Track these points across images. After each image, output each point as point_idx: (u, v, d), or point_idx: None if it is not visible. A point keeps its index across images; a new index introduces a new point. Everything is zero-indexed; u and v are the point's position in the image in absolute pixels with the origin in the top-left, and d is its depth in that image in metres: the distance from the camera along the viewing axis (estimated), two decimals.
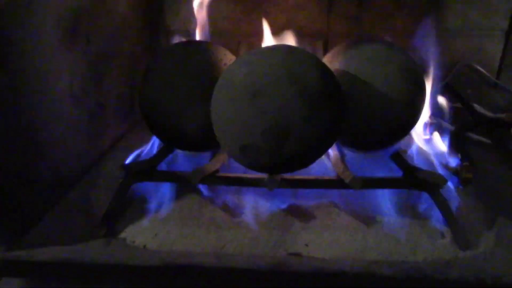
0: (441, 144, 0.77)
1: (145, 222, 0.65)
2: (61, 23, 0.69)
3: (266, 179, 0.62)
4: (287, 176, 0.65)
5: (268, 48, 0.60)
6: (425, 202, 0.66)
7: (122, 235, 0.63)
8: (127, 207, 0.68)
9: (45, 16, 0.66)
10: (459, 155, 0.72)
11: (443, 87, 0.86)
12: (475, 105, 0.87)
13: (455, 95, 0.88)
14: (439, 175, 0.62)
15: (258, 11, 1.01)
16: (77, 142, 0.76)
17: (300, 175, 0.66)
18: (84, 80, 0.77)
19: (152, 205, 0.69)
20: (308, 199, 0.69)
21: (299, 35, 0.82)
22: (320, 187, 0.66)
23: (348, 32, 1.00)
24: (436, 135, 0.79)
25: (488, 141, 0.81)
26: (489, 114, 0.83)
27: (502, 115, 0.82)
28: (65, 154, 0.72)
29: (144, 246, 0.61)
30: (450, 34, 0.95)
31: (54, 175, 0.70)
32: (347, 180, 0.61)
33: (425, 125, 0.79)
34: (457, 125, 0.83)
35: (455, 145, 0.76)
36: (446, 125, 0.81)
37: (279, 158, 0.57)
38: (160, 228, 0.64)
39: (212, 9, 1.00)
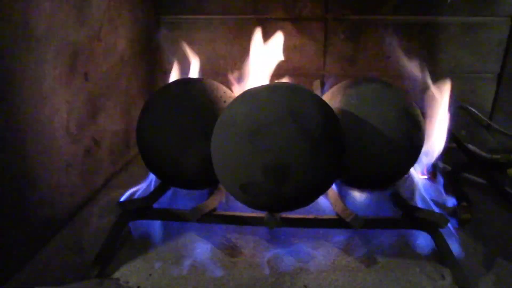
0: (438, 184, 0.77)
1: (139, 261, 0.64)
2: (59, 59, 0.70)
3: (265, 218, 0.62)
4: (287, 215, 0.65)
5: (268, 85, 0.60)
6: (424, 242, 0.66)
7: (116, 275, 0.61)
8: (122, 246, 0.67)
9: (45, 52, 0.66)
10: (456, 196, 0.72)
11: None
12: (470, 146, 0.88)
13: (450, 136, 0.89)
14: (440, 214, 0.62)
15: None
16: (71, 179, 0.75)
17: (299, 214, 0.65)
18: (81, 116, 0.77)
19: (147, 244, 0.67)
20: (307, 239, 0.68)
21: (296, 75, 0.84)
22: (319, 226, 0.66)
23: (344, 73, 1.02)
24: (433, 175, 0.79)
25: (483, 181, 0.82)
26: (484, 154, 0.84)
27: (498, 156, 0.83)
28: (59, 191, 0.71)
29: (138, 287, 0.59)
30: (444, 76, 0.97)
31: (47, 212, 0.68)
32: (348, 219, 0.61)
33: (423, 165, 0.79)
34: (453, 165, 0.84)
35: (451, 186, 0.76)
36: (443, 165, 0.81)
37: (280, 196, 0.56)
38: (155, 268, 0.62)
39: (209, 49, 1.01)
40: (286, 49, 0.97)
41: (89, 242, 0.68)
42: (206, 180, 0.68)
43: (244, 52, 1.00)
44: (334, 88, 0.71)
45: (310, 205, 0.62)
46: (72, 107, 0.74)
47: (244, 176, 0.56)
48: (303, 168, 0.55)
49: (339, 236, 0.68)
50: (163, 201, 0.74)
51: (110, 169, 0.90)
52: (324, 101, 0.60)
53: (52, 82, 0.68)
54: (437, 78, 0.79)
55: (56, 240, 0.69)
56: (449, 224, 0.66)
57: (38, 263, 0.63)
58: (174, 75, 0.86)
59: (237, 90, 0.82)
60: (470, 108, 0.96)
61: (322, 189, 0.60)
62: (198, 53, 0.89)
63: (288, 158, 0.54)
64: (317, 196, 0.60)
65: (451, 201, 0.72)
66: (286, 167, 0.54)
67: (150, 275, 0.61)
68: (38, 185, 0.66)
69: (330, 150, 0.57)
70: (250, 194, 0.57)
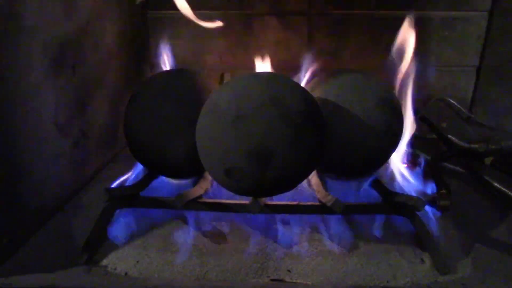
0: (418, 172, 0.79)
1: (126, 249, 0.65)
2: (47, 51, 0.70)
3: (249, 203, 0.63)
4: (270, 201, 0.66)
5: (252, 74, 0.62)
6: (405, 227, 0.67)
7: (104, 262, 0.62)
8: (109, 233, 0.68)
9: (32, 44, 0.67)
10: (436, 183, 0.74)
11: (419, 119, 0.89)
12: (450, 137, 0.90)
13: (431, 127, 0.91)
14: (417, 198, 0.63)
15: (240, 45, 1.04)
16: (60, 170, 0.75)
17: (282, 200, 0.67)
18: (69, 108, 0.78)
19: (134, 231, 0.68)
20: (291, 225, 0.69)
21: (280, 69, 0.85)
22: (302, 212, 0.67)
23: (327, 67, 1.03)
24: (413, 164, 0.81)
25: (462, 170, 0.83)
26: (462, 144, 0.86)
27: (476, 146, 0.85)
28: (48, 181, 0.72)
29: (126, 274, 0.60)
30: (426, 69, 0.99)
31: (37, 202, 0.69)
32: (329, 204, 0.62)
33: (403, 154, 0.81)
34: (432, 155, 0.86)
35: (431, 174, 0.78)
36: (423, 155, 0.83)
37: (263, 181, 0.58)
38: (142, 255, 0.64)
39: (195, 44, 1.02)
40: (271, 43, 0.99)
41: (78, 230, 0.68)
42: (192, 169, 0.70)
43: (230, 47, 1.02)
44: (316, 79, 0.72)
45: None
46: (60, 99, 0.74)
47: (228, 161, 0.58)
48: (285, 153, 0.56)
49: (322, 222, 0.69)
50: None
51: (99, 161, 0.91)
52: (305, 89, 0.62)
53: (40, 74, 0.69)
54: (419, 72, 0.81)
55: (45, 229, 0.69)
56: (428, 211, 0.68)
57: (27, 251, 0.64)
58: (161, 69, 0.88)
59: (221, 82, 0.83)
60: (449, 100, 0.97)
61: (304, 175, 0.61)
62: (184, 48, 0.90)
63: (270, 143, 0.56)
64: (299, 181, 0.62)
65: (430, 189, 0.73)
66: (269, 152, 0.56)
67: (138, 262, 0.62)
68: (27, 176, 0.67)
69: (311, 135, 0.58)
70: (234, 178, 0.59)
